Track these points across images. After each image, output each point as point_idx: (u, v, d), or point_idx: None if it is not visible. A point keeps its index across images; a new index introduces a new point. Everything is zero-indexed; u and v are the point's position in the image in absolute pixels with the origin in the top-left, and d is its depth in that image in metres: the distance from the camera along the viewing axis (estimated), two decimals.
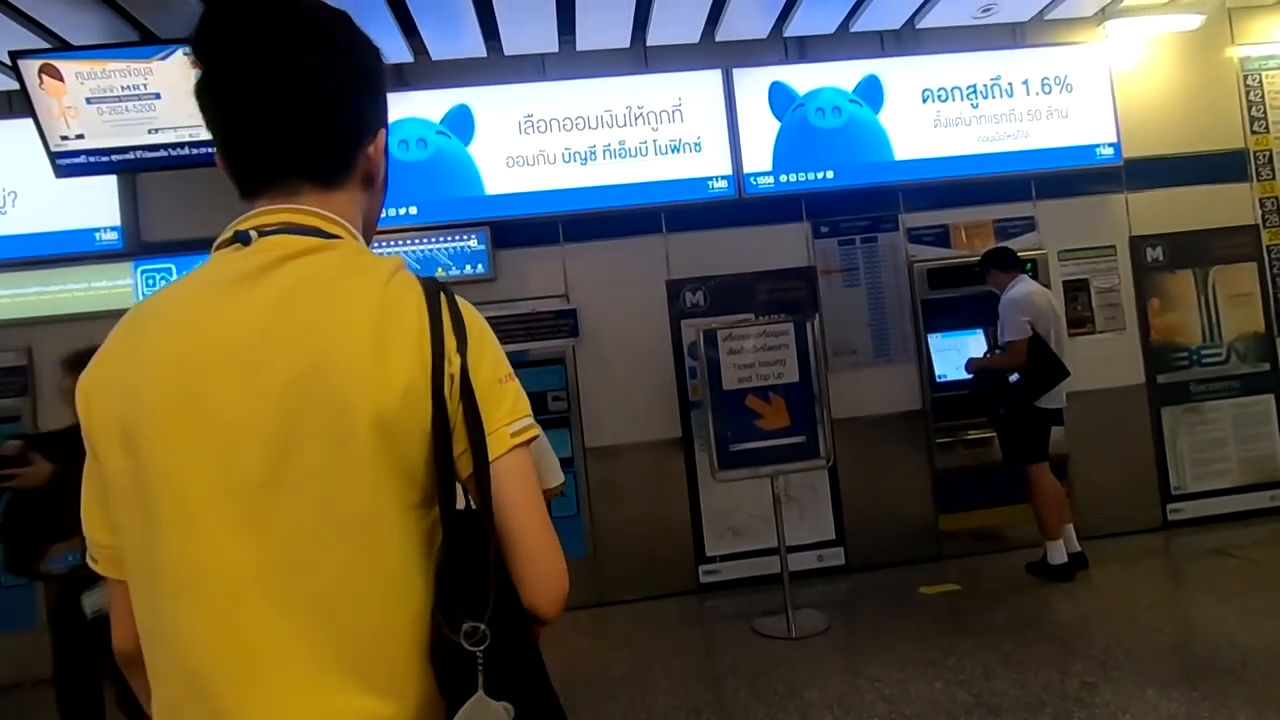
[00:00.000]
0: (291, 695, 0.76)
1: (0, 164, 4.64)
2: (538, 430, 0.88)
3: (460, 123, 4.90)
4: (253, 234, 0.86)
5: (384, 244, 4.81)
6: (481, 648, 0.76)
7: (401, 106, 4.88)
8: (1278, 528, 5.03)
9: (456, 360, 0.82)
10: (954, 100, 5.18)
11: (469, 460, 0.82)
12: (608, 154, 4.96)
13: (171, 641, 0.78)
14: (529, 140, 4.92)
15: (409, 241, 4.84)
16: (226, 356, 0.79)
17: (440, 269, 4.85)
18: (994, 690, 3.13)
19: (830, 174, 5.08)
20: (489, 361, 0.85)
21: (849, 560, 5.02)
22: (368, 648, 0.77)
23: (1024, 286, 4.53)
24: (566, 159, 4.93)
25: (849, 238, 5.20)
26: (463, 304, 0.87)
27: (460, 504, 0.83)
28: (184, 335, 0.81)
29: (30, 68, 3.84)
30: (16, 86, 4.31)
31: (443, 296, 0.85)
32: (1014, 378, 4.46)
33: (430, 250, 4.84)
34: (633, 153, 4.98)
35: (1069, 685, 3.12)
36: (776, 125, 5.08)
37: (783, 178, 5.07)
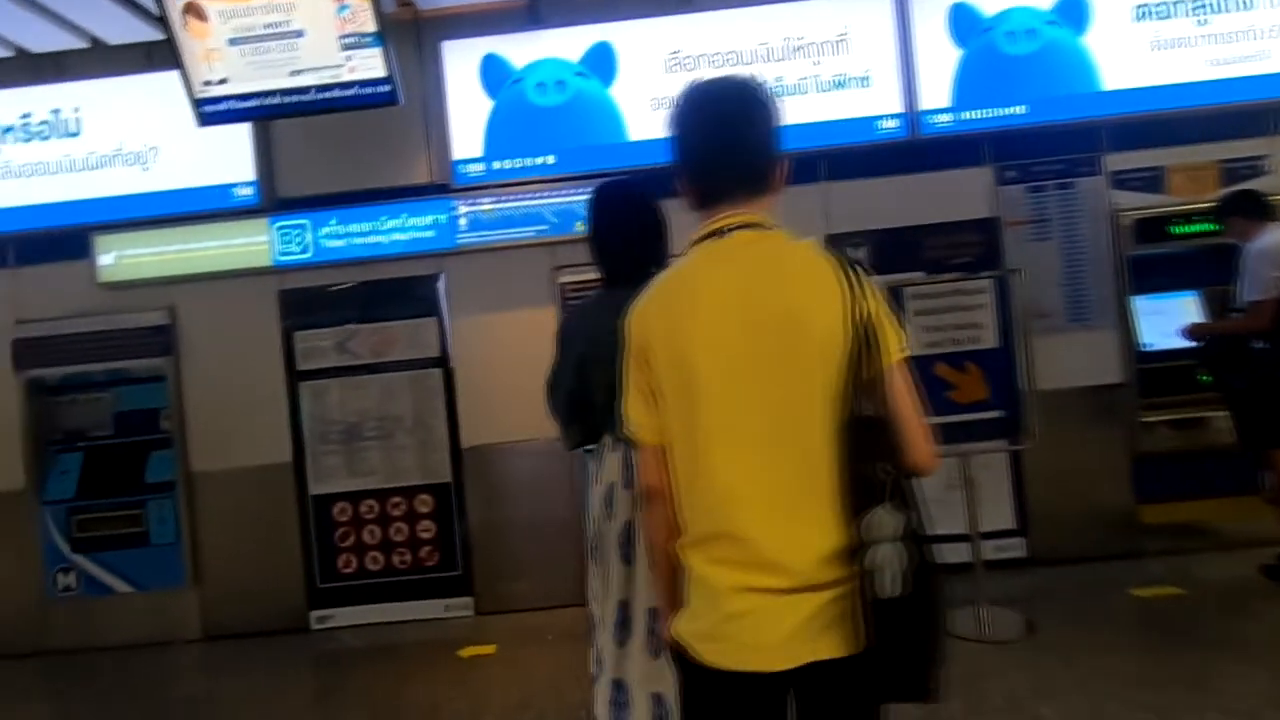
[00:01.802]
0: (785, 518, 1.23)
1: (141, 119, 4.57)
2: (909, 350, 1.33)
3: (601, 62, 4.48)
4: (727, 231, 1.32)
5: (520, 196, 4.49)
6: (890, 478, 1.22)
7: (537, 46, 4.51)
8: None
9: (862, 305, 1.26)
10: (1176, 16, 4.36)
11: (874, 367, 1.26)
12: None
13: (709, 481, 1.26)
14: (676, 79, 4.45)
15: (545, 194, 4.49)
16: (732, 303, 1.28)
17: (579, 222, 4.48)
18: None
19: (1022, 109, 4.38)
20: (881, 306, 1.30)
21: (1032, 552, 4.43)
22: (819, 488, 1.23)
23: (1275, 237, 3.75)
24: None
25: (1040, 184, 4.49)
26: (858, 268, 1.31)
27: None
28: (704, 292, 1.30)
29: (175, 7, 3.68)
30: (157, 37, 4.22)
31: (847, 264, 1.30)
32: (1258, 344, 3.72)
33: (567, 202, 4.48)
34: (791, 90, 4.43)
35: None
36: (958, 54, 4.41)
37: (965, 115, 4.42)
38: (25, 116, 4.61)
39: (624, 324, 1.35)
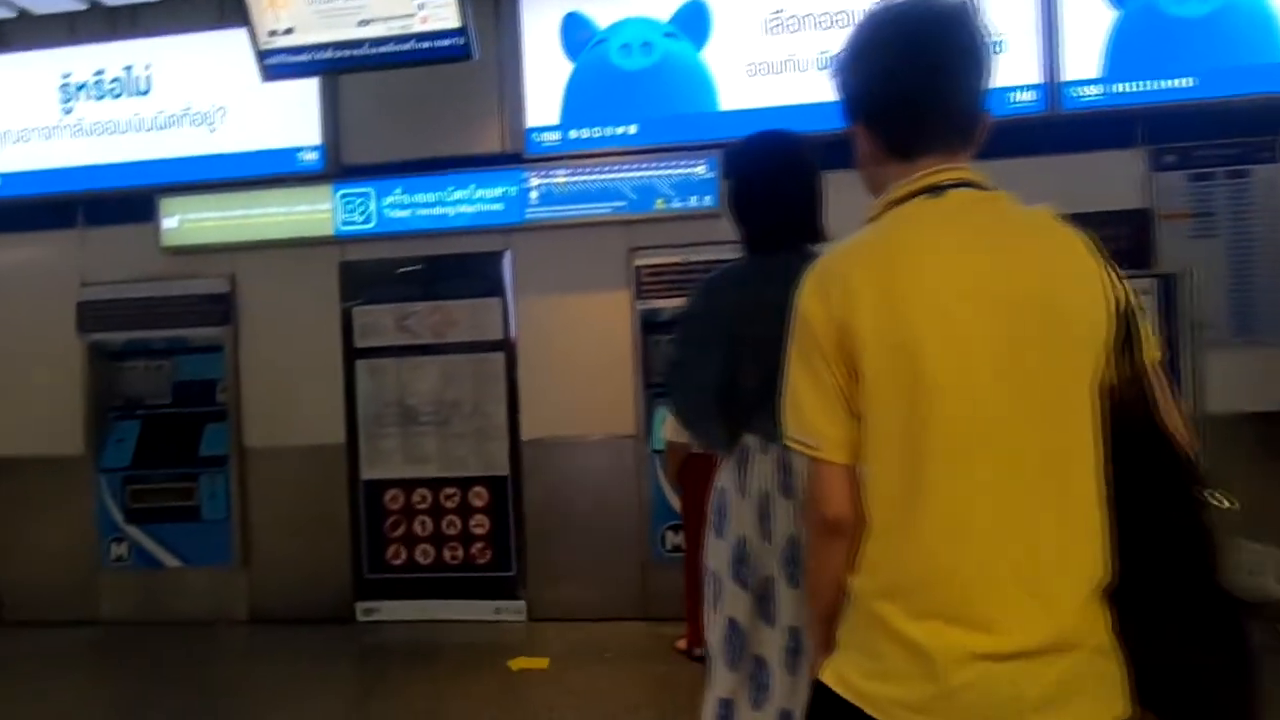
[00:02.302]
0: (1036, 560, 0.96)
1: (210, 78, 4.38)
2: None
3: (693, 21, 4.03)
4: (943, 189, 1.06)
5: (597, 169, 4.09)
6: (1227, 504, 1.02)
7: (622, 4, 4.10)
8: None
9: (1119, 289, 1.02)
10: None
11: (1135, 365, 1.02)
12: None
13: (934, 511, 0.97)
14: (777, 42, 3.97)
15: (624, 167, 4.08)
16: (969, 279, 1.00)
17: (660, 199, 4.06)
18: None
19: (1189, 81, 3.71)
20: (1132, 292, 1.05)
21: None
22: (1081, 518, 0.98)
23: None
24: (823, 66, 3.93)
25: (1207, 171, 3.81)
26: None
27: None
28: (931, 263, 1.02)
29: None
30: None
31: (1095, 242, 1.05)
32: None
33: (648, 177, 4.06)
34: None
35: None
36: (1112, 16, 3.77)
37: (1116, 87, 3.77)
38: (99, 73, 4.50)
39: (797, 301, 1.06)
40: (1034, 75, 3.81)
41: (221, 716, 3.34)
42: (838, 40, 3.54)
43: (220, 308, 4.41)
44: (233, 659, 4.07)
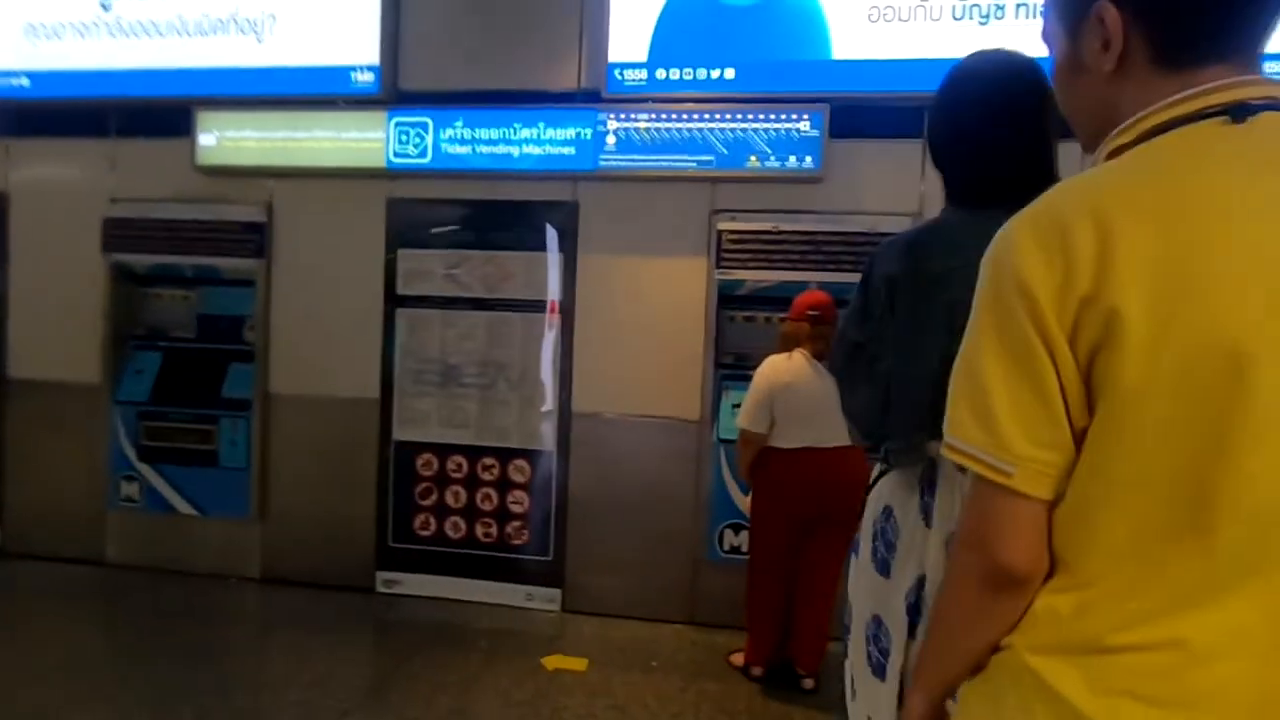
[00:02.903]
0: None
1: None
2: None
3: None
4: (1250, 110, 0.73)
5: (686, 116, 3.60)
6: None
7: None
8: None
9: None
10: None
11: None
12: (1023, 10, 3.36)
13: (1240, 570, 0.69)
14: None
15: (717, 116, 3.58)
16: None
17: (753, 156, 3.57)
18: None
19: None
20: None
21: None
22: None
23: None
24: (958, 14, 3.39)
25: None
26: None
27: None
28: (1249, 229, 0.68)
29: None
30: None
31: None
32: None
33: (743, 130, 3.56)
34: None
35: None
36: None
37: None
38: None
39: (1001, 259, 0.75)
40: None
41: (228, 680, 3.01)
42: None
43: (254, 238, 4.01)
44: (242, 619, 3.74)
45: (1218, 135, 0.73)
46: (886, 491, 1.44)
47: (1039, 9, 3.33)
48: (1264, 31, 0.78)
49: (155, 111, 4.08)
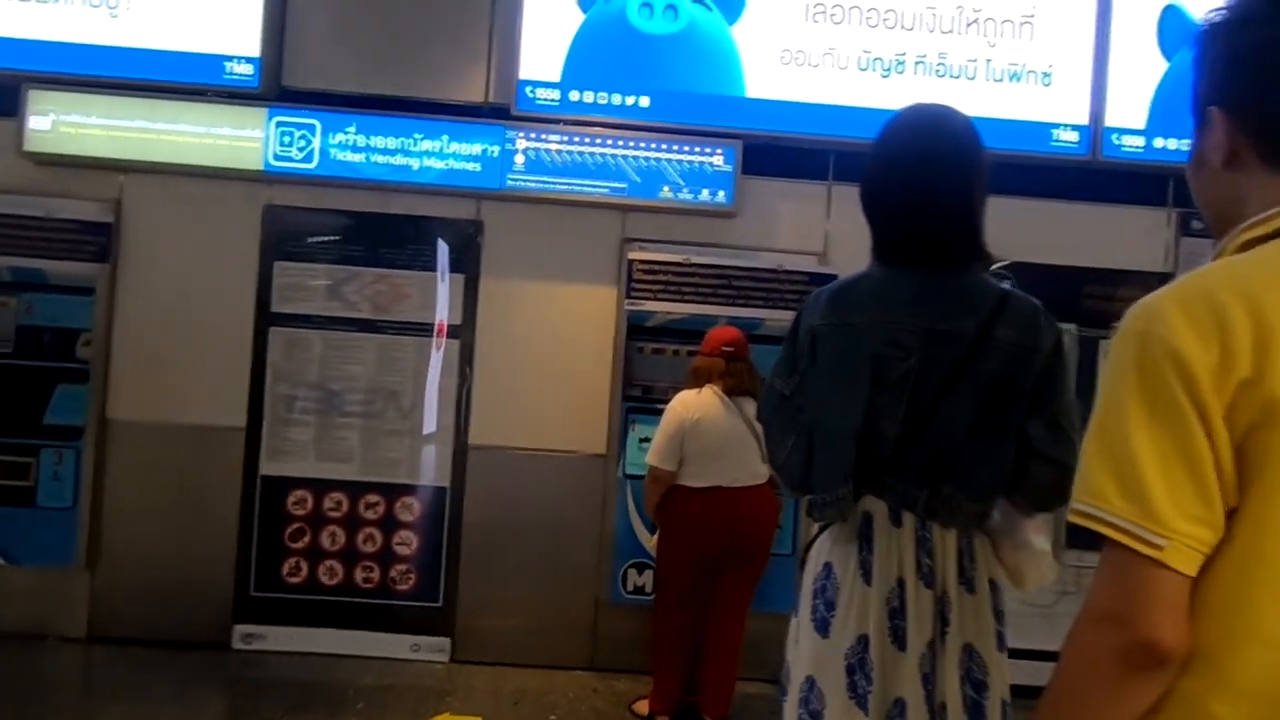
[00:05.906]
0: None
1: None
2: None
3: None
4: None
5: (598, 140, 3.50)
6: None
7: None
8: None
9: None
10: None
11: None
12: (921, 68, 3.54)
13: None
14: (817, 31, 3.53)
15: (630, 142, 3.52)
16: None
17: (666, 187, 3.53)
18: None
19: None
20: None
21: None
22: None
23: None
24: (863, 65, 3.53)
25: None
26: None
27: None
28: None
29: None
30: None
31: None
32: None
33: (656, 160, 3.52)
34: (955, 72, 3.55)
35: None
36: (1163, 67, 3.59)
37: (1157, 143, 3.60)
38: None
39: (1147, 339, 0.74)
40: (1080, 116, 3.57)
41: None
42: (884, 41, 3.16)
43: (98, 239, 3.48)
44: (62, 687, 3.18)
45: None
46: (826, 548, 1.43)
47: (936, 67, 3.55)
48: None
49: None
